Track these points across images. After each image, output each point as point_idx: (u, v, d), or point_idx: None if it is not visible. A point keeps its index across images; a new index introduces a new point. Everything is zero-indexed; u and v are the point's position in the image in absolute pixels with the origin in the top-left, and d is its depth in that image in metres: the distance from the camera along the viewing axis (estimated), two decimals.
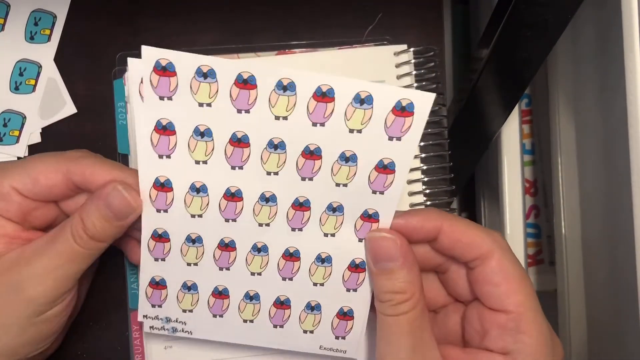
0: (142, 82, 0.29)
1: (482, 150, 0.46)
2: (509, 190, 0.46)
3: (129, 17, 0.38)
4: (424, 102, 0.28)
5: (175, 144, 0.30)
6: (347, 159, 0.30)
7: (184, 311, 0.33)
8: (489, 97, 0.40)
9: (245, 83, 0.28)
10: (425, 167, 0.36)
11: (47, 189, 0.31)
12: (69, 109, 0.37)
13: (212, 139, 0.30)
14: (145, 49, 0.28)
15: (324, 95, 0.28)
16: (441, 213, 0.30)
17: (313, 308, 0.33)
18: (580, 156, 0.46)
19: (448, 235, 0.30)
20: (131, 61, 0.29)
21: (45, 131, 0.37)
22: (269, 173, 0.30)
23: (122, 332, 0.37)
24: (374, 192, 0.30)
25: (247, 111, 0.29)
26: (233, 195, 0.31)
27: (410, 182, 0.36)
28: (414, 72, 0.36)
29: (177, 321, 0.33)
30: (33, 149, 0.37)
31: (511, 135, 0.46)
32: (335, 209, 0.31)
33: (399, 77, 0.36)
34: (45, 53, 0.37)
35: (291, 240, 0.32)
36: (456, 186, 0.37)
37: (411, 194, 0.36)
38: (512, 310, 0.29)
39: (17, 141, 0.37)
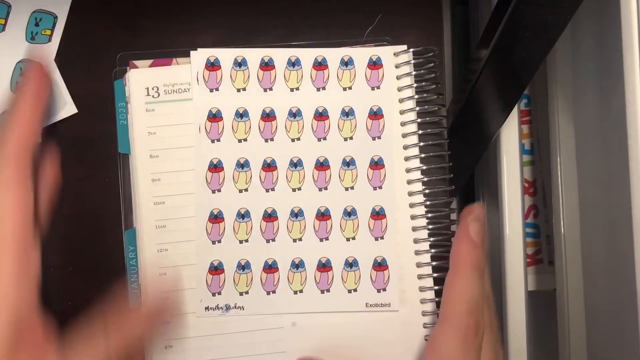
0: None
1: (482, 151, 0.46)
2: (508, 190, 0.46)
3: (129, 17, 0.38)
4: (387, 55, 0.36)
5: (223, 128, 0.36)
6: (347, 113, 0.36)
7: (241, 294, 0.35)
8: (488, 98, 0.40)
9: (267, 65, 0.36)
10: (424, 167, 0.36)
11: None
12: (69, 109, 0.37)
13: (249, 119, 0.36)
14: (196, 53, 0.36)
15: (320, 65, 0.36)
16: None
17: (351, 265, 0.36)
18: (580, 156, 0.46)
19: None
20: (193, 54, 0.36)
21: (46, 131, 0.37)
22: (292, 140, 0.36)
23: None
24: (373, 138, 0.36)
25: (271, 88, 0.36)
26: (269, 166, 0.36)
27: (410, 182, 0.36)
28: (414, 73, 0.36)
29: (235, 307, 0.35)
30: None
31: (510, 135, 0.46)
32: (348, 163, 0.36)
33: (398, 77, 0.37)
34: (46, 54, 0.37)
35: (320, 200, 0.36)
36: (455, 186, 0.37)
37: (411, 193, 0.36)
38: None
39: None
